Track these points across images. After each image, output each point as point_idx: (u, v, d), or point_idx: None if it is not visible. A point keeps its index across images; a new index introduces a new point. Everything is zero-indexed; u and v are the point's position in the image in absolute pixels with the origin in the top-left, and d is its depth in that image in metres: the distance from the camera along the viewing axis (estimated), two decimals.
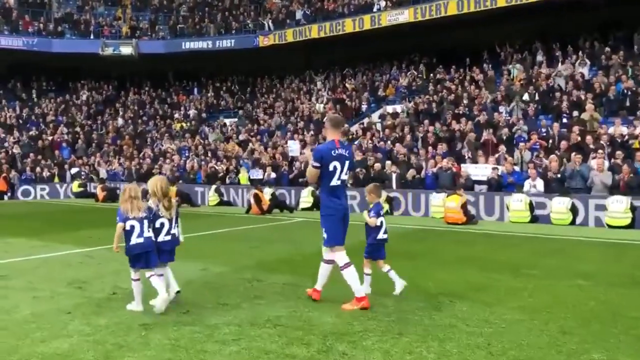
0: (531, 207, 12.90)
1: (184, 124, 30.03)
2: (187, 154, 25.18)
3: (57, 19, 33.79)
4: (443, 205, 13.78)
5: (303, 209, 16.31)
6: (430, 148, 17.78)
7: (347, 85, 29.25)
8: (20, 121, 29.71)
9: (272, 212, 15.68)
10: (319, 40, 30.60)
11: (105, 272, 7.63)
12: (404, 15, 27.57)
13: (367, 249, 6.32)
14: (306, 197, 16.44)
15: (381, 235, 6.32)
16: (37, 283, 7.01)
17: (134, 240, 5.75)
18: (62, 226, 13.51)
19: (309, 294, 6.03)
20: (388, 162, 17.00)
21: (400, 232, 11.51)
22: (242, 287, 6.62)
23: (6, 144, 26.77)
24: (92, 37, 33.16)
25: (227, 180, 20.18)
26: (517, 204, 12.95)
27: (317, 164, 5.65)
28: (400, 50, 29.41)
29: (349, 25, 29.22)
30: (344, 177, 5.76)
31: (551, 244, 9.96)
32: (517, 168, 15.22)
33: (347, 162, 5.72)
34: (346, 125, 23.51)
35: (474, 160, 16.02)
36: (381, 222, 6.31)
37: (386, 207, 15.06)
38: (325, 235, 5.79)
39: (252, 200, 15.72)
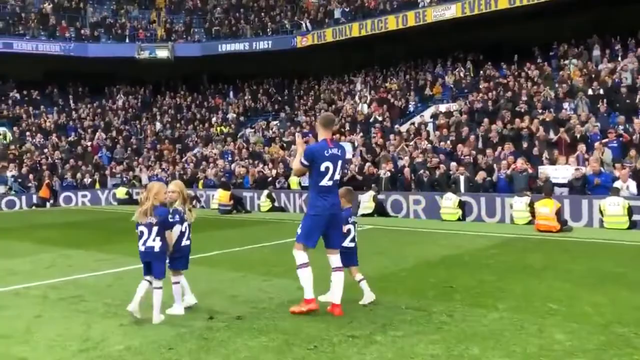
0: (629, 212, 11.62)
1: (223, 128, 29.28)
2: (229, 158, 24.40)
3: (92, 23, 33.41)
4: (526, 210, 12.62)
5: (363, 215, 15.22)
6: (496, 148, 16.58)
7: (389, 84, 28.14)
8: (59, 127, 29.29)
9: None
10: (357, 39, 29.62)
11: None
12: (451, 11, 26.39)
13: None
14: (367, 203, 15.35)
15: (347, 244, 5.97)
16: (117, 306, 6.07)
17: (140, 247, 5.49)
18: (119, 236, 12.65)
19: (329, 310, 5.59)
20: (453, 164, 15.84)
21: (496, 242, 10.35)
22: (361, 313, 5.59)
23: (46, 150, 26.33)
24: (127, 40, 32.73)
25: (277, 185, 19.25)
26: (613, 208, 11.67)
27: (307, 163, 5.54)
28: (443, 47, 28.25)
29: (391, 23, 28.16)
30: (337, 177, 5.56)
31: None
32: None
33: (339, 162, 5.56)
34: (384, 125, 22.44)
35: (552, 161, 14.76)
36: (348, 230, 5.99)
37: (459, 212, 13.96)
38: (299, 231, 5.64)
39: None
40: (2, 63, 29.82)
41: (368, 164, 17.68)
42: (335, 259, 5.70)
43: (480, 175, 15.01)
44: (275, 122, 28.19)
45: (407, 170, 16.38)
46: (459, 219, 13.91)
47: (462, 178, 15.17)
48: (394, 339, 4.76)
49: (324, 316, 5.53)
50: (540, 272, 7.36)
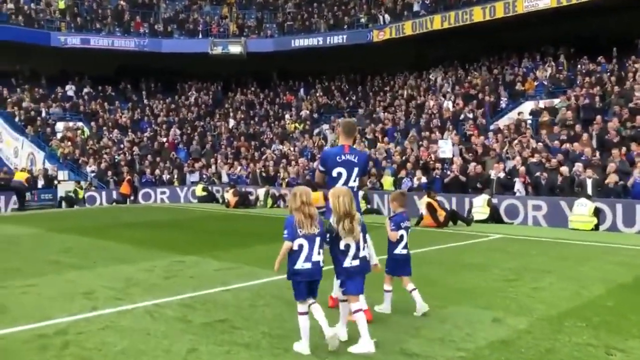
0: None
1: (297, 125, 28.34)
2: (308, 156, 23.38)
3: (165, 19, 33.19)
4: None
5: (477, 221, 13.79)
6: (624, 149, 14.80)
7: (474, 79, 26.42)
8: (133, 122, 29.10)
9: (447, 225, 13.27)
10: (434, 33, 27.99)
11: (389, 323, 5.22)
12: (545, 1, 24.40)
13: (387, 263, 5.75)
14: (481, 207, 13.90)
15: (399, 251, 5.67)
16: (281, 339, 4.89)
17: (299, 264, 4.49)
18: (224, 239, 11.74)
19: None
20: (579, 165, 14.17)
21: None
22: None
23: (122, 146, 26.10)
24: (200, 36, 32.33)
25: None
26: None
27: (322, 168, 5.52)
28: (527, 40, 26.32)
29: (477, 14, 26.37)
30: (352, 184, 5.39)
31: None
32: None
33: (355, 169, 5.43)
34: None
35: None
36: (401, 236, 5.65)
37: (594, 221, 12.34)
38: None
39: (424, 211, 13.36)
40: (79, 59, 29.96)
41: (473, 163, 16.19)
42: None
43: (612, 179, 13.31)
44: (353, 119, 26.97)
45: (522, 170, 14.79)
46: (592, 229, 12.29)
47: (589, 181, 13.50)
48: None
49: None
50: None
